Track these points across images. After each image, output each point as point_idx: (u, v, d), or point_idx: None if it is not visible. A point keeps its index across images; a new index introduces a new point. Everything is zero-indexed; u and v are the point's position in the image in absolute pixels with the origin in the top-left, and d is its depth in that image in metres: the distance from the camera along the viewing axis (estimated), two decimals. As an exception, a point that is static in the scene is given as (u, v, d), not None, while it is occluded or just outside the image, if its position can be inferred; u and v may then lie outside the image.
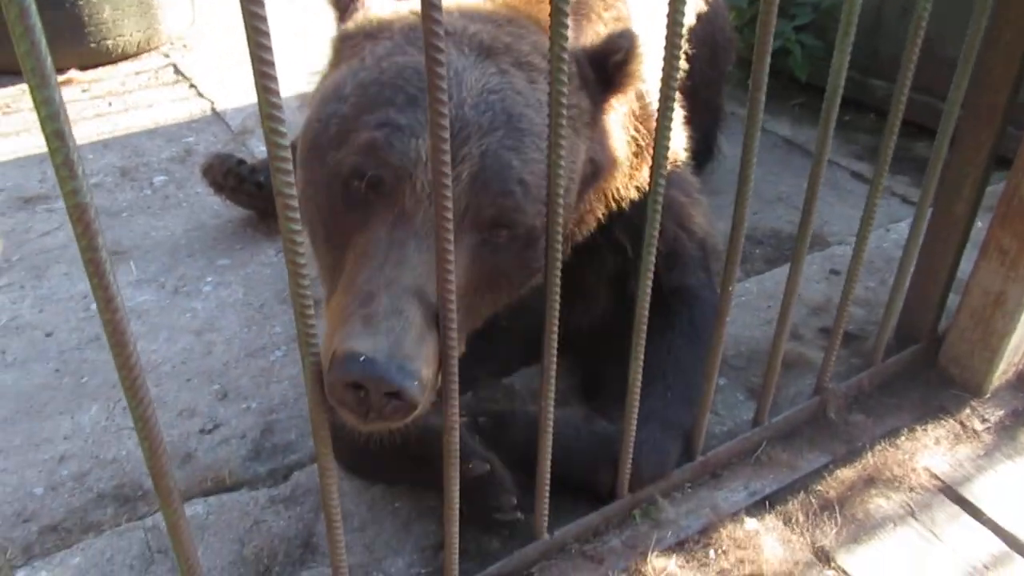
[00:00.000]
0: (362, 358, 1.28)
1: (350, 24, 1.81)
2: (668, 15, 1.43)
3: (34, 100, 0.90)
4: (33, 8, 0.87)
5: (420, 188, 1.48)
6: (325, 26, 1.99)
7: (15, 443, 2.34)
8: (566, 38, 1.31)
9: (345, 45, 1.79)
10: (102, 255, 1.02)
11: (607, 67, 1.75)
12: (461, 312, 1.51)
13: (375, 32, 1.75)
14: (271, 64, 1.05)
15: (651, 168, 1.57)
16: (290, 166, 1.13)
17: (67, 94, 4.59)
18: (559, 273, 1.55)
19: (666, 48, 1.46)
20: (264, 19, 1.02)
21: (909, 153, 3.99)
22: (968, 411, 2.37)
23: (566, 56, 1.32)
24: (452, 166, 1.31)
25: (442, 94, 1.19)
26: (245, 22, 1.01)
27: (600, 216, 2.01)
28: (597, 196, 1.95)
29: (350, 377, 1.28)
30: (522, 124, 1.60)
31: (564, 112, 1.37)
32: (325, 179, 1.60)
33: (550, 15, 1.30)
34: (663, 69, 1.48)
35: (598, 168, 1.87)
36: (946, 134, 2.09)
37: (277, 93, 1.07)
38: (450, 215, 1.29)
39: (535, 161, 1.60)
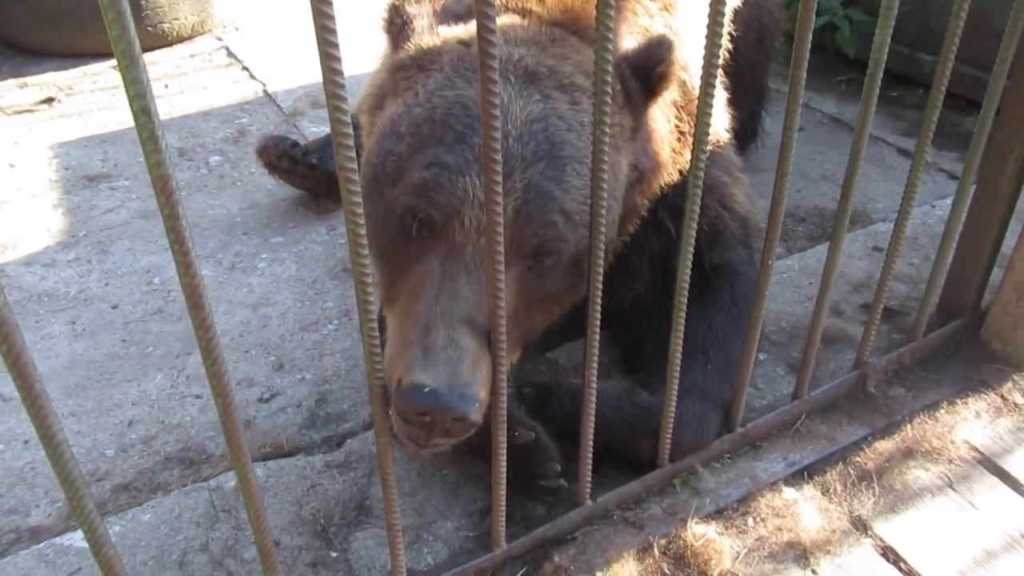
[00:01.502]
0: (427, 389, 1.42)
1: (403, 55, 1.88)
2: (709, 9, 1.47)
3: (124, 80, 0.99)
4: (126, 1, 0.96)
5: (468, 223, 1.59)
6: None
7: (87, 407, 2.48)
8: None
9: (400, 76, 1.87)
10: (182, 223, 1.11)
11: (651, 78, 1.81)
12: (517, 330, 1.70)
13: (426, 64, 1.82)
14: (335, 45, 1.12)
15: (692, 153, 1.62)
16: (351, 140, 1.21)
17: (126, 77, 4.75)
18: (601, 274, 1.62)
19: (707, 42, 1.51)
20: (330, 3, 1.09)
21: (959, 128, 3.94)
22: (1010, 385, 2.38)
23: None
24: None
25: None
26: (312, 6, 1.09)
27: (646, 206, 2.06)
28: (642, 193, 2.00)
29: (418, 407, 1.43)
30: (564, 152, 1.67)
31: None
32: (383, 214, 1.71)
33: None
34: (704, 60, 1.53)
35: (642, 172, 1.93)
36: (991, 106, 2.09)
37: (340, 72, 1.15)
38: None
39: (577, 188, 1.67)
